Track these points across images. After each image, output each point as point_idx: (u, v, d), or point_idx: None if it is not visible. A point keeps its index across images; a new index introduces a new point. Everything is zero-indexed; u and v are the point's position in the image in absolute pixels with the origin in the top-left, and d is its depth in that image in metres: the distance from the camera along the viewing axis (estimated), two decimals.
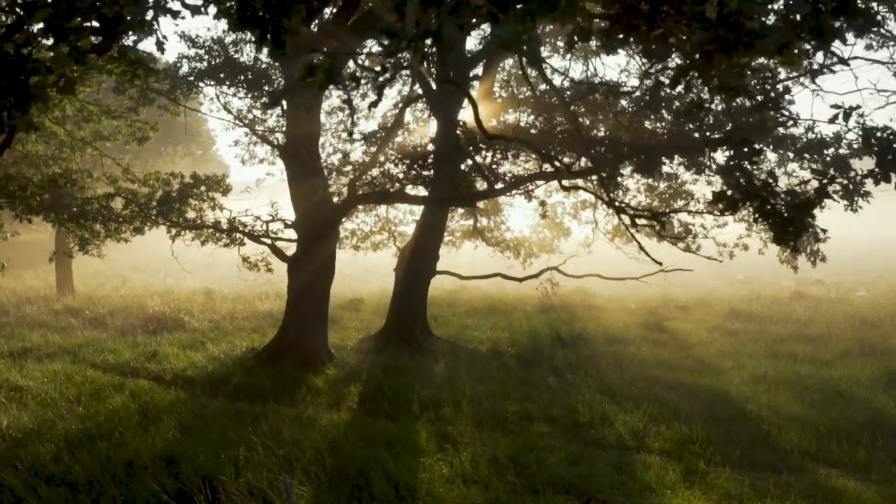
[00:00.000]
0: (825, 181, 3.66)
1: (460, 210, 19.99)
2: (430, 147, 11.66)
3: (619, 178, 11.11)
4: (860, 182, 7.63)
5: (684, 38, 2.42)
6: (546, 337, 15.65)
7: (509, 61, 19.09)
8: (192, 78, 14.00)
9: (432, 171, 10.99)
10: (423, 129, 18.93)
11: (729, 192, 3.27)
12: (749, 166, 3.39)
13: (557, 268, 16.18)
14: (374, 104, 2.93)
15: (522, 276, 15.92)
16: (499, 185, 11.08)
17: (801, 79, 17.32)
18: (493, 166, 10.74)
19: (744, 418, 9.43)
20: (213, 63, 13.82)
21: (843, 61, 4.98)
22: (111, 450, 7.38)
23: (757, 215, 3.19)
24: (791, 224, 3.00)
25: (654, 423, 9.06)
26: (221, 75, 13.50)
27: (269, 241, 12.96)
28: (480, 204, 20.22)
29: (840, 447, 8.29)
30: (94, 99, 14.50)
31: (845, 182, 7.90)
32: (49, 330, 15.64)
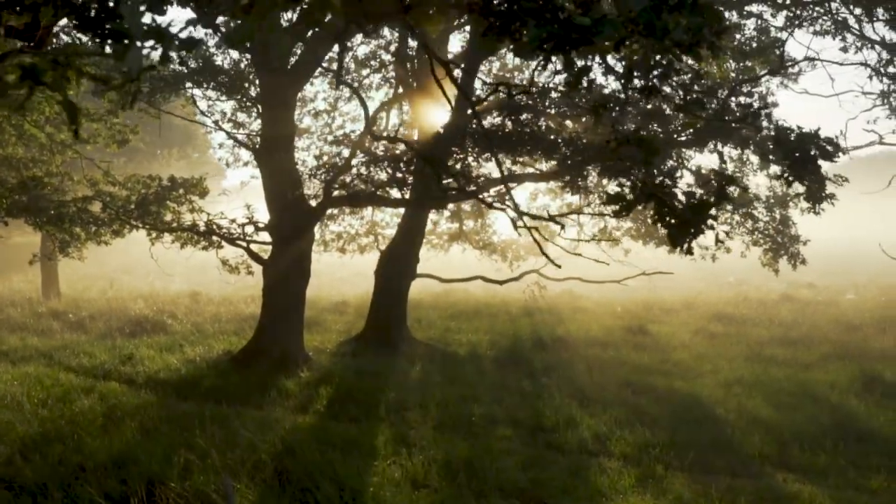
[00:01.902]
0: (724, 182, 3.62)
1: (446, 213, 20.00)
2: (402, 148, 11.65)
3: (585, 181, 11.07)
4: (820, 184, 7.59)
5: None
6: (527, 340, 15.60)
7: (496, 63, 19.12)
8: (169, 80, 13.98)
9: (403, 174, 10.99)
10: (409, 130, 18.94)
11: (627, 194, 3.24)
12: (647, 166, 3.34)
13: (538, 271, 16.16)
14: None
15: (503, 279, 15.88)
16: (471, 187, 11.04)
17: (784, 81, 17.31)
18: (465, 169, 10.72)
19: (710, 422, 9.37)
20: (192, 66, 13.82)
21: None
22: (65, 453, 7.36)
23: (655, 216, 3.16)
24: (690, 226, 2.96)
25: (619, 427, 9.00)
26: (199, 78, 13.51)
27: (244, 244, 12.95)
28: (466, 206, 20.23)
29: (802, 452, 8.22)
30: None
31: (808, 185, 7.86)
32: (29, 333, 15.66)
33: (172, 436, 7.86)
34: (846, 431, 8.85)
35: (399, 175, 11.09)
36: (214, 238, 13.44)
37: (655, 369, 12.88)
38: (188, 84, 14.05)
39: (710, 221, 3.11)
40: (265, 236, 13.12)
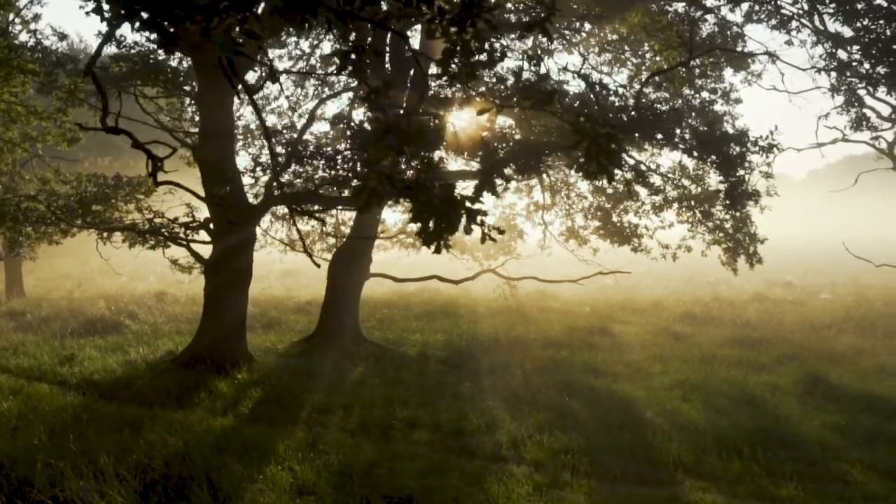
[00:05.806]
0: (486, 177, 3.35)
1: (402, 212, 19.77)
2: (343, 147, 11.45)
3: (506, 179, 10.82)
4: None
5: None
6: (483, 340, 15.37)
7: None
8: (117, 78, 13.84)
9: (338, 171, 10.78)
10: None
11: (376, 186, 3.02)
12: (399, 155, 3.12)
13: (495, 270, 15.93)
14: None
15: (458, 279, 15.65)
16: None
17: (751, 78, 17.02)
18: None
19: (636, 426, 9.11)
20: (137, 65, 13.68)
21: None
22: None
23: (412, 212, 2.93)
24: (444, 223, 2.75)
25: (539, 432, 8.76)
26: (143, 76, 13.36)
27: (184, 243, 12.76)
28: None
29: (720, 458, 7.95)
30: (21, 100, 14.39)
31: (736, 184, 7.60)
32: None
33: (70, 439, 7.67)
34: (772, 436, 8.59)
35: (334, 173, 10.87)
36: (159, 237, 13.28)
37: (603, 371, 12.63)
38: (135, 82, 13.92)
39: (480, 218, 2.89)
40: (206, 235, 12.93)
